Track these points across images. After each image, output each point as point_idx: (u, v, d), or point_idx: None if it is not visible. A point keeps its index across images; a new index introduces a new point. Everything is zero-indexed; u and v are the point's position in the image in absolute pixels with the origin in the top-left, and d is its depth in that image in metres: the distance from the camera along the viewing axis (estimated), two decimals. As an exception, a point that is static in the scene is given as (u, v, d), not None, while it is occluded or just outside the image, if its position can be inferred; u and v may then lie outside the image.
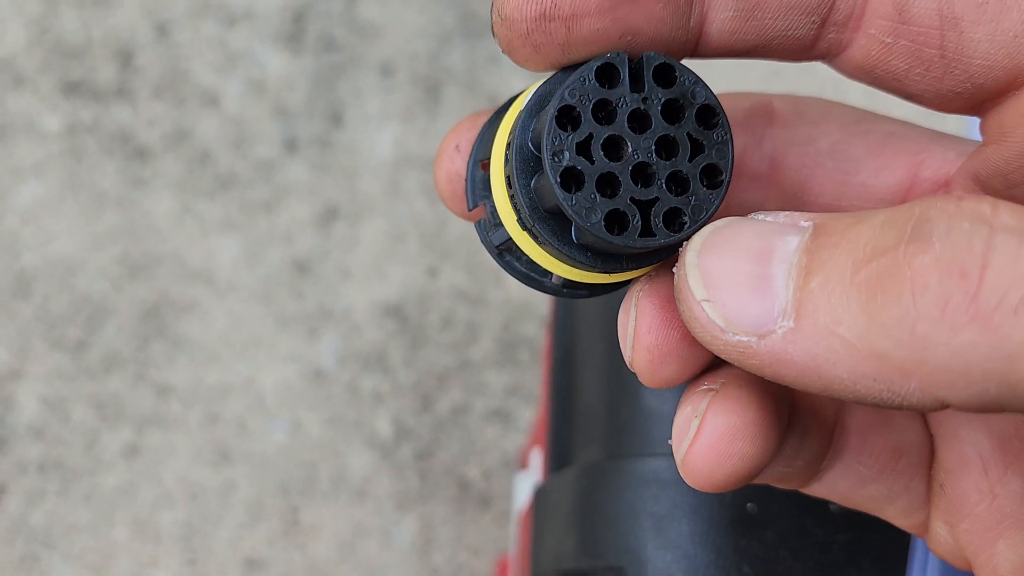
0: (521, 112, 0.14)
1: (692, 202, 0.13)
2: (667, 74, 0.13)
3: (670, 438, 0.15)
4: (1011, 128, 0.14)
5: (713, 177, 0.13)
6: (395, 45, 0.68)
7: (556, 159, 0.13)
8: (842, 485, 0.16)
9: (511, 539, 0.44)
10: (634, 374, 0.23)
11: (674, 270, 0.13)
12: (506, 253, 0.15)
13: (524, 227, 0.14)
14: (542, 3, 0.13)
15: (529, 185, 0.14)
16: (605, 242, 0.13)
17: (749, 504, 0.21)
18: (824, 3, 0.14)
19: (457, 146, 0.16)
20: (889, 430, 0.16)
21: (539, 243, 0.14)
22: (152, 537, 0.55)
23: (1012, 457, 0.15)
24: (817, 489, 0.16)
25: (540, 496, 0.26)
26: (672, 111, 0.13)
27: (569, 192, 0.13)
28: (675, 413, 0.15)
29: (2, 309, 0.58)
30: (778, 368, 0.12)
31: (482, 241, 0.15)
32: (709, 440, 0.14)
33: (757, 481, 0.15)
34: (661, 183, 0.13)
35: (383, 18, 0.69)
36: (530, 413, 0.61)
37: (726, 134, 0.13)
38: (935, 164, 0.16)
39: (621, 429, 0.23)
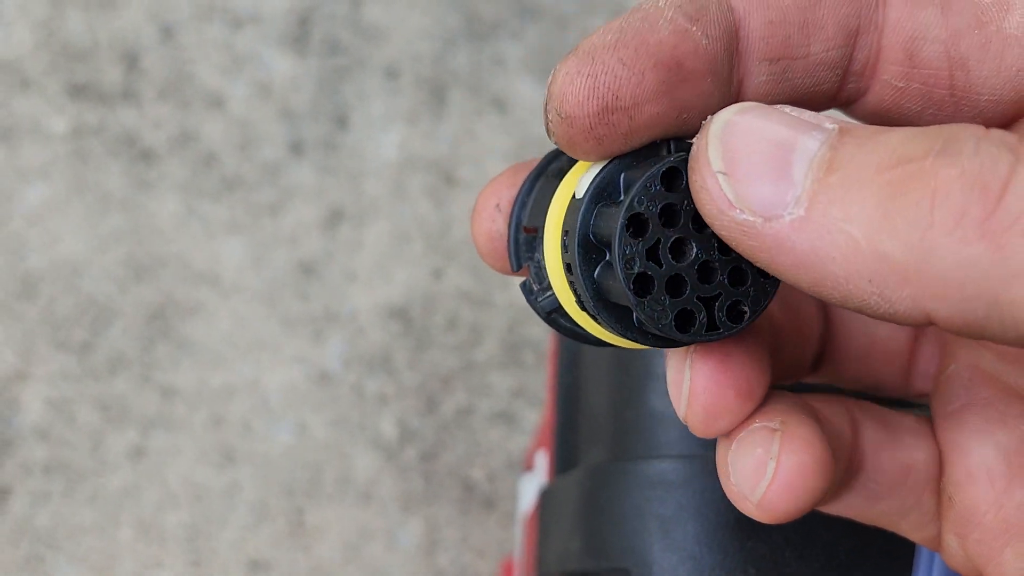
0: (579, 201, 0.14)
1: (751, 294, 0.14)
2: None
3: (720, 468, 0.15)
4: None
5: None
6: (400, 47, 0.68)
7: (629, 267, 0.13)
8: (856, 503, 0.16)
9: (516, 541, 0.44)
10: (639, 375, 0.23)
11: (694, 140, 0.13)
12: (554, 314, 0.15)
13: (584, 310, 0.15)
14: (603, 97, 0.13)
15: (592, 275, 0.14)
16: (672, 338, 0.14)
17: (755, 506, 0.21)
18: (845, 56, 0.14)
19: (498, 204, 0.16)
20: (899, 447, 0.16)
21: (599, 324, 0.15)
22: (156, 538, 0.55)
23: (1017, 469, 0.16)
24: (834, 507, 0.17)
25: (545, 498, 0.26)
26: None
27: (640, 296, 0.13)
28: (737, 455, 0.15)
29: (7, 311, 0.58)
30: (775, 255, 0.12)
31: (529, 303, 0.15)
32: (786, 479, 0.14)
33: None
34: (723, 279, 0.14)
35: (388, 20, 0.69)
36: (535, 415, 0.61)
37: None
38: None
39: (626, 431, 0.23)
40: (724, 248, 0.14)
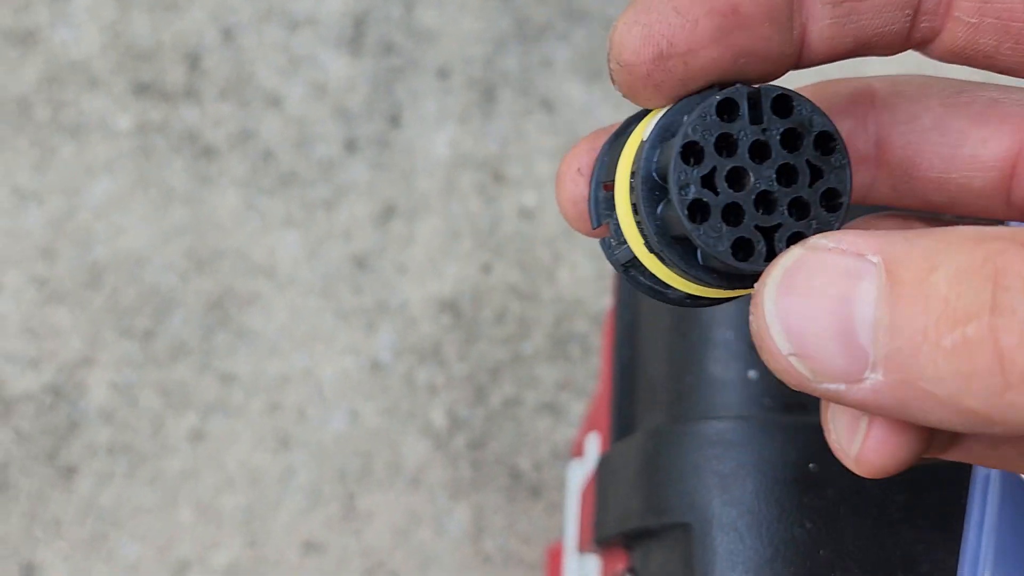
0: (644, 143, 0.14)
1: (814, 226, 0.14)
2: (784, 104, 0.14)
3: (834, 434, 0.15)
4: None
5: (833, 200, 0.14)
6: (451, 49, 0.70)
7: (683, 192, 0.13)
8: (976, 448, 0.16)
9: (568, 522, 0.45)
10: (697, 342, 0.24)
11: (751, 311, 0.13)
12: (631, 269, 0.16)
13: (651, 251, 0.15)
14: (657, 44, 0.13)
15: (655, 213, 0.14)
16: (732, 267, 0.14)
17: (811, 464, 0.21)
18: None
19: (579, 168, 0.16)
20: None
21: (666, 265, 0.15)
22: (214, 520, 0.56)
23: None
24: (954, 454, 0.16)
25: (605, 464, 0.27)
26: (791, 139, 0.14)
27: (696, 223, 0.13)
28: (836, 411, 0.15)
29: (75, 299, 0.60)
30: (870, 409, 0.12)
31: (607, 258, 0.16)
32: (879, 435, 0.14)
33: None
34: (783, 209, 0.14)
35: (440, 23, 0.70)
36: (580, 407, 0.61)
37: (844, 158, 0.14)
38: None
39: (685, 395, 0.24)
40: (786, 179, 0.14)
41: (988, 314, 0.11)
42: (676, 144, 0.13)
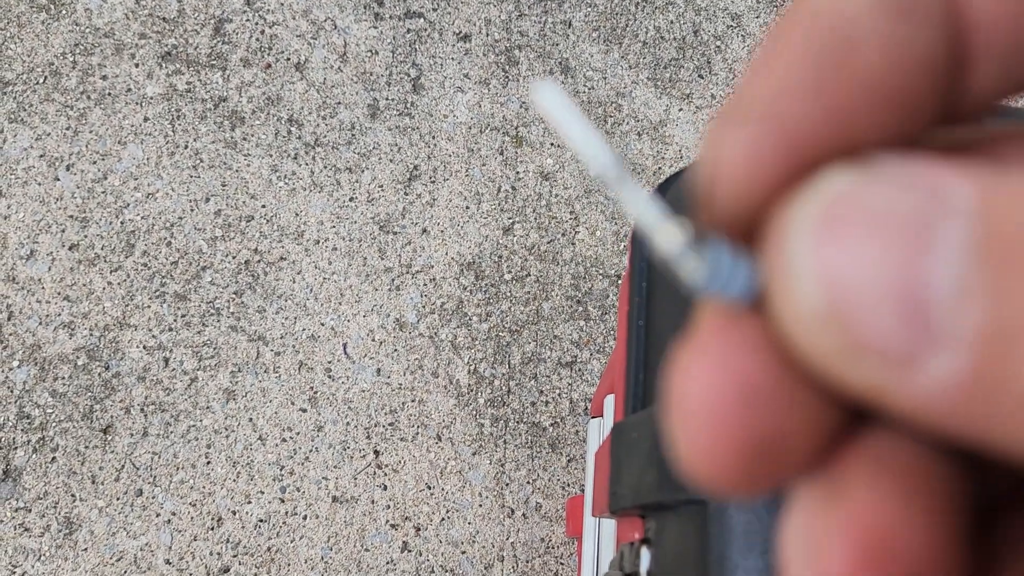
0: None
1: None
2: None
3: None
4: None
5: None
6: (472, 12, 0.68)
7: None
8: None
9: (587, 484, 0.44)
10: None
11: (766, 255, 0.09)
12: None
13: None
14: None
15: None
16: None
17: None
18: None
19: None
20: None
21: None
22: (246, 475, 0.56)
23: None
24: None
25: (619, 434, 0.26)
26: None
27: None
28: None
29: (108, 264, 0.59)
30: (928, 416, 0.08)
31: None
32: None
33: None
34: None
35: (459, -13, 0.68)
36: (598, 364, 0.60)
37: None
38: None
39: (701, 369, 0.22)
40: None
41: None
42: None
